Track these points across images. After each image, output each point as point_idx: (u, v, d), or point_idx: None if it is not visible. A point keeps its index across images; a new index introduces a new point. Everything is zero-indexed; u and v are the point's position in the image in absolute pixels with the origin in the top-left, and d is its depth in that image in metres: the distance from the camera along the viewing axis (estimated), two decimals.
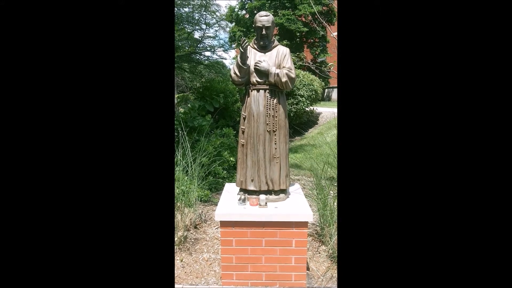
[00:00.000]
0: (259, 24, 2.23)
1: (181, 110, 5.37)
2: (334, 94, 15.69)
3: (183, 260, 2.44)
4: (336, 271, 2.29)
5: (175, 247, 2.59)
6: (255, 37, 2.35)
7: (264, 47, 2.31)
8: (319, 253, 2.55)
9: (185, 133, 3.37)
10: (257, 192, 2.29)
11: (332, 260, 2.42)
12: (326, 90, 15.37)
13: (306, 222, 2.10)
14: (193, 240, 2.71)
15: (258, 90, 2.26)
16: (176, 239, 2.64)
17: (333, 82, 14.95)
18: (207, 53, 6.16)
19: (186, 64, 6.14)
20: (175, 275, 2.27)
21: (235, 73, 2.26)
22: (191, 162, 3.18)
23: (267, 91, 2.25)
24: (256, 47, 2.34)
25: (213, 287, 2.12)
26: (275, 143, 2.27)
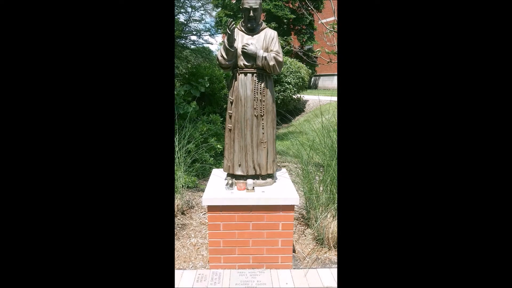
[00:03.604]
0: (246, 6, 2.18)
1: None
2: (321, 82, 15.74)
3: None
4: (320, 253, 2.35)
5: None
6: (242, 20, 2.30)
7: (252, 30, 2.27)
8: (305, 235, 2.61)
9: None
10: (244, 177, 2.29)
11: (317, 242, 2.47)
12: (313, 78, 15.39)
13: (293, 206, 2.13)
14: (180, 226, 2.71)
15: (245, 74, 2.22)
16: None
17: (320, 70, 14.98)
18: (193, 37, 6.01)
19: None
20: None
21: (222, 56, 2.21)
22: (178, 149, 3.14)
23: (255, 75, 2.22)
24: (243, 29, 2.29)
25: (201, 271, 2.14)
26: (263, 128, 2.26)
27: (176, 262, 2.25)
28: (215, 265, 2.16)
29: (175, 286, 1.96)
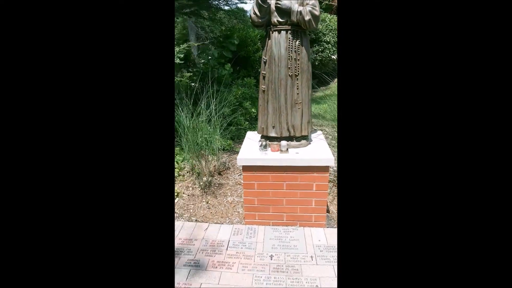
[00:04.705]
0: None
1: (202, 61, 5.28)
2: None
3: (209, 202, 2.60)
4: None
5: (201, 190, 2.75)
6: None
7: None
8: None
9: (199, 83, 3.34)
10: (278, 139, 2.30)
11: None
12: None
13: (327, 167, 2.11)
14: (217, 185, 2.86)
15: (279, 31, 2.13)
16: (201, 183, 2.79)
17: None
18: None
19: (205, 12, 5.85)
20: (202, 215, 2.45)
21: (254, 13, 2.13)
22: (214, 113, 3.21)
23: (289, 32, 2.11)
24: None
25: (238, 226, 2.27)
26: (297, 88, 2.20)
27: (214, 217, 2.41)
28: (250, 221, 2.28)
29: (215, 237, 2.13)
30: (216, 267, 1.85)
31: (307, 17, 2.03)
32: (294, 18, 2.05)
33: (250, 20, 2.20)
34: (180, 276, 1.78)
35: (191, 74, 4.48)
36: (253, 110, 4.39)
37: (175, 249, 2.02)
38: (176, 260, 1.92)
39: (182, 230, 2.24)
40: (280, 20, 2.10)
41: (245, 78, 4.83)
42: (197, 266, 1.86)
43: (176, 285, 1.71)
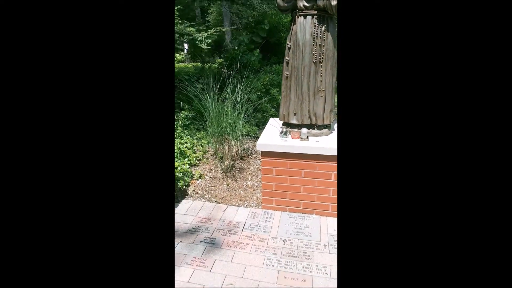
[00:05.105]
0: None
1: (234, 47, 5.31)
2: None
3: (229, 185, 2.68)
4: None
5: (222, 173, 2.84)
6: None
7: None
8: None
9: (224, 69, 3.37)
10: (299, 126, 2.29)
11: None
12: None
13: None
14: (238, 169, 2.92)
15: (305, 16, 2.08)
16: (223, 167, 2.87)
17: None
18: None
19: None
20: (221, 196, 2.54)
21: None
22: (239, 98, 3.24)
23: (315, 17, 2.06)
24: None
25: (255, 209, 2.33)
26: (321, 76, 2.15)
27: (233, 200, 2.49)
28: (267, 206, 2.32)
29: (232, 219, 2.21)
30: (231, 246, 1.93)
31: (333, 2, 1.96)
32: (320, 2, 1.99)
33: (276, 5, 2.17)
34: (196, 251, 1.88)
35: (222, 60, 4.54)
36: (280, 97, 4.36)
37: (194, 227, 2.13)
38: (193, 236, 2.03)
39: (202, 209, 2.35)
40: (306, 4, 2.05)
41: (274, 65, 4.80)
42: (212, 244, 1.96)
43: (191, 260, 1.82)
